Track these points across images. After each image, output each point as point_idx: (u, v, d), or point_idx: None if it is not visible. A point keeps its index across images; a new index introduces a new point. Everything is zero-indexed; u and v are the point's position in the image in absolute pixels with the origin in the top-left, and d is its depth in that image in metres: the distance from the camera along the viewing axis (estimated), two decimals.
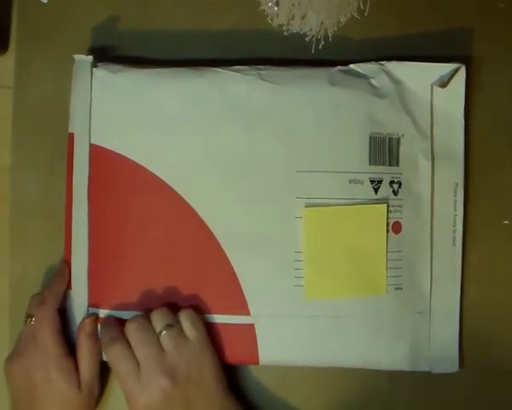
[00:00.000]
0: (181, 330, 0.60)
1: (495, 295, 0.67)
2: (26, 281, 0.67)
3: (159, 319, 0.60)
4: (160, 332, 0.60)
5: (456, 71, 0.64)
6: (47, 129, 0.67)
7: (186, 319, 0.61)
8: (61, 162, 0.65)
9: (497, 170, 0.68)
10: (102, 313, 0.63)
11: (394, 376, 0.66)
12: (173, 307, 0.62)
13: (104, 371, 0.64)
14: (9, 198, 0.68)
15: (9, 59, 0.68)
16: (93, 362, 0.62)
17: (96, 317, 0.63)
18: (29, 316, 0.62)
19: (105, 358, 0.62)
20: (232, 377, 0.66)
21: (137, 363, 0.59)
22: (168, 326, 0.60)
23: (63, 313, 0.64)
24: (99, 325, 0.63)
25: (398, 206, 0.64)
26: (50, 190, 0.67)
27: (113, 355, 0.60)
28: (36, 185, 0.67)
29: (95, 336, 0.62)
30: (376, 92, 0.64)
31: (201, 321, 0.62)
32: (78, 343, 0.62)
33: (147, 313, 0.61)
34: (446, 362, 0.65)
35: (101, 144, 0.63)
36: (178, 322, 0.61)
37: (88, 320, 0.62)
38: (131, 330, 0.60)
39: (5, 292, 0.67)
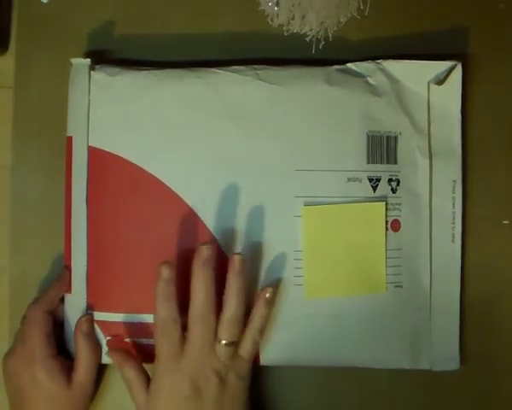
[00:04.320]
0: (238, 345, 0.60)
1: (495, 294, 0.67)
2: (26, 281, 0.67)
3: (227, 332, 0.59)
4: (220, 340, 0.59)
5: (452, 69, 0.64)
6: (47, 129, 0.67)
7: (249, 345, 0.60)
8: (60, 162, 0.65)
9: (496, 169, 0.68)
10: (101, 315, 0.63)
11: (394, 376, 0.66)
12: None
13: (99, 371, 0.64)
14: (9, 198, 0.68)
15: (9, 59, 0.68)
16: (89, 362, 0.62)
17: (91, 316, 0.63)
18: (24, 317, 0.63)
19: (105, 365, 0.63)
20: None
21: (183, 345, 0.59)
22: (230, 343, 0.59)
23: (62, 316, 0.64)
24: (103, 338, 0.63)
25: (396, 204, 0.64)
26: (50, 190, 0.67)
27: (160, 333, 0.59)
28: (36, 185, 0.68)
29: (92, 335, 0.63)
30: (373, 91, 0.64)
31: (258, 347, 0.62)
32: (75, 343, 0.62)
33: (214, 309, 0.59)
34: (447, 359, 0.65)
35: (99, 147, 0.63)
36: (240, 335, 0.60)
37: (84, 319, 0.62)
38: (197, 325, 0.59)
39: (5, 292, 0.67)
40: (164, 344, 0.59)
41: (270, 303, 0.61)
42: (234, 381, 0.60)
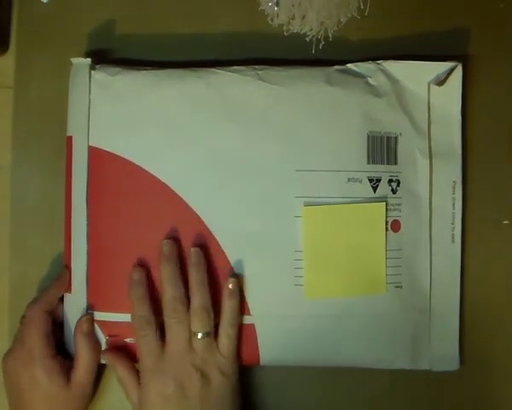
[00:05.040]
0: (215, 337, 0.61)
1: (495, 294, 0.67)
2: (26, 281, 0.67)
3: (199, 323, 0.60)
4: (196, 334, 0.60)
5: (452, 69, 0.64)
6: (47, 129, 0.67)
7: (225, 340, 0.61)
8: (61, 162, 0.65)
9: (496, 170, 0.68)
10: (101, 315, 0.63)
11: (394, 376, 0.66)
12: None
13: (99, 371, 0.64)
14: (9, 198, 0.68)
15: (9, 59, 0.68)
16: (89, 362, 0.62)
17: (91, 316, 0.63)
18: (23, 316, 0.63)
19: (105, 364, 0.63)
20: None
21: (163, 345, 0.60)
22: (205, 334, 0.60)
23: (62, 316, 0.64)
24: (103, 338, 0.63)
25: (396, 204, 0.64)
26: (50, 190, 0.67)
27: (141, 340, 0.60)
28: (36, 185, 0.68)
29: (91, 335, 0.63)
30: (373, 91, 0.64)
31: (235, 342, 0.62)
32: (75, 343, 0.62)
33: (186, 303, 0.60)
34: (447, 360, 0.65)
35: (99, 146, 0.63)
36: (216, 325, 0.61)
37: (84, 319, 0.62)
38: (171, 321, 0.60)
39: (5, 292, 0.67)
40: (143, 346, 0.60)
41: (234, 294, 0.62)
42: (216, 377, 0.60)
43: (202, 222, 0.62)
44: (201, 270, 0.61)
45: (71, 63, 0.65)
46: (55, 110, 0.67)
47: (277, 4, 0.67)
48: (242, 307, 0.62)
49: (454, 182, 0.65)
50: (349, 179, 0.63)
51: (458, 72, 0.64)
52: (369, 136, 0.63)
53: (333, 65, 0.65)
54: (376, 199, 0.63)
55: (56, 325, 0.64)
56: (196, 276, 0.61)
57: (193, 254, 0.61)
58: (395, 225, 0.63)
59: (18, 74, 0.68)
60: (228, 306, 0.61)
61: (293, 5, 0.67)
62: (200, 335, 0.60)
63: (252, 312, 0.63)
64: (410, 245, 0.64)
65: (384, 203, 0.63)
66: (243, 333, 0.63)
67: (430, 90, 0.65)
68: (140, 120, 0.63)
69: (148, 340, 0.60)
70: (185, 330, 0.60)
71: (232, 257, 0.63)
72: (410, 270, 0.64)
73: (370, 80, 0.64)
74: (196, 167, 0.63)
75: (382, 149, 0.63)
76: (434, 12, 0.68)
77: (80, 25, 0.68)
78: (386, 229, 0.63)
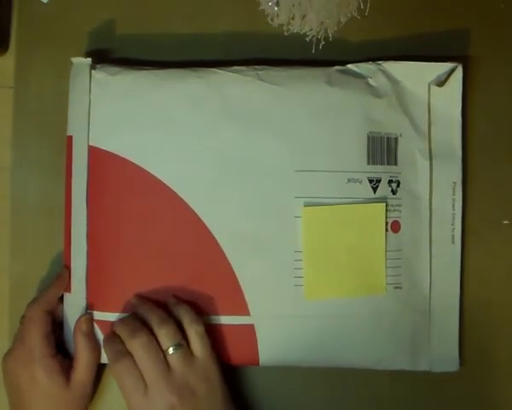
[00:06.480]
0: (188, 346, 0.60)
1: (495, 294, 0.67)
2: (26, 281, 0.67)
3: (166, 337, 0.59)
4: (167, 350, 0.59)
5: (453, 70, 0.64)
6: (47, 129, 0.67)
7: (195, 338, 0.60)
8: (61, 162, 0.65)
9: (496, 170, 0.68)
10: (101, 315, 0.63)
11: (394, 376, 0.66)
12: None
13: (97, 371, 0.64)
14: (9, 198, 0.68)
15: (9, 59, 0.68)
16: (89, 362, 0.62)
17: (91, 316, 0.63)
18: (23, 316, 0.63)
19: (104, 364, 0.63)
20: (232, 379, 0.65)
21: (144, 379, 0.59)
22: (177, 346, 0.59)
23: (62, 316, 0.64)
24: (102, 339, 0.63)
25: (396, 205, 0.64)
26: (50, 190, 0.67)
27: (120, 370, 0.59)
28: (36, 185, 0.68)
29: (91, 335, 0.63)
30: (374, 92, 0.64)
31: (207, 337, 0.61)
32: (74, 343, 0.62)
33: (148, 328, 0.60)
34: (446, 361, 0.65)
35: (99, 146, 0.63)
36: (185, 336, 0.60)
37: (83, 318, 0.62)
38: (137, 349, 0.59)
39: (5, 292, 0.67)
40: (124, 381, 0.60)
41: (178, 303, 0.62)
42: (200, 386, 0.59)
43: (202, 222, 0.62)
44: (145, 301, 0.62)
45: (71, 63, 0.65)
46: (55, 110, 0.67)
47: (277, 4, 0.67)
48: (242, 308, 0.63)
49: (454, 183, 0.65)
50: (349, 180, 0.63)
51: (458, 73, 0.64)
52: (369, 136, 0.63)
53: (333, 65, 0.65)
54: (376, 200, 0.63)
55: (56, 325, 0.64)
56: (143, 305, 0.62)
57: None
58: (395, 226, 0.63)
59: (18, 74, 0.68)
60: (181, 312, 0.61)
61: (293, 5, 0.67)
62: (171, 349, 0.59)
63: (251, 312, 0.63)
64: (410, 246, 0.64)
65: (384, 204, 0.63)
66: (243, 334, 0.63)
67: (430, 91, 0.65)
68: (140, 119, 0.63)
69: (131, 377, 0.59)
70: (154, 353, 0.59)
71: (232, 257, 0.63)
72: (409, 271, 0.64)
73: (371, 81, 0.64)
74: (196, 167, 0.63)
75: (382, 149, 0.63)
76: (434, 12, 0.68)
77: (80, 25, 0.68)
78: (386, 230, 0.63)
